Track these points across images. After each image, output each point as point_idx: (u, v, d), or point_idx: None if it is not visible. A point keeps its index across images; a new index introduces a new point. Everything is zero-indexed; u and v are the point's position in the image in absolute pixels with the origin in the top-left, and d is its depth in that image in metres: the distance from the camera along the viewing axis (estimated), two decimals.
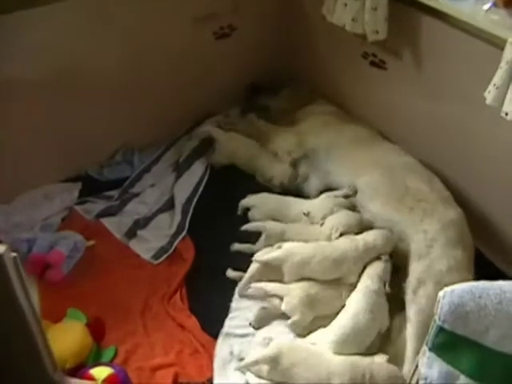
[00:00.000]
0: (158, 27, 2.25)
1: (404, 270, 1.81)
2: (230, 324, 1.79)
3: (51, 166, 2.24)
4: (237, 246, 2.01)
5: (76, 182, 2.29)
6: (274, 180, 2.26)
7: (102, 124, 2.29)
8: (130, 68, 2.25)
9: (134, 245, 2.06)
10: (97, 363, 1.62)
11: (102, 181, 2.33)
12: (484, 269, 1.82)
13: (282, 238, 1.97)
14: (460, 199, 1.97)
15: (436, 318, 0.96)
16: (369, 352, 1.66)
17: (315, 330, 1.74)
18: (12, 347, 1.21)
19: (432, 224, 1.84)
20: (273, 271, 1.84)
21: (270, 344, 1.64)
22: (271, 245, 1.94)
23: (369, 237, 1.87)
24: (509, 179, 1.86)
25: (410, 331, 1.67)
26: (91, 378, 1.53)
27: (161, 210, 2.19)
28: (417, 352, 1.39)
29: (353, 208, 2.05)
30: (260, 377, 1.58)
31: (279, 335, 1.72)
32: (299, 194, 2.23)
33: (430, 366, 1.01)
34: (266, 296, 1.81)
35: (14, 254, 1.11)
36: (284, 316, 1.76)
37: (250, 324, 1.76)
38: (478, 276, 1.74)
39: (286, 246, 1.88)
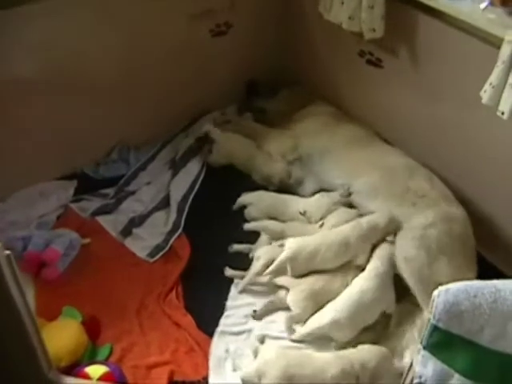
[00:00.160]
0: (155, 24, 2.24)
1: None
2: (225, 322, 1.80)
3: (47, 163, 2.23)
4: (236, 247, 2.01)
5: (72, 180, 2.28)
6: (274, 178, 2.25)
7: (98, 122, 2.28)
8: (126, 66, 2.24)
9: (130, 243, 2.05)
10: (92, 361, 1.62)
11: (97, 179, 2.32)
12: (486, 271, 1.82)
13: (281, 237, 1.98)
14: (459, 200, 1.97)
15: (431, 316, 0.96)
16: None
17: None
18: (6, 346, 1.21)
19: (434, 212, 1.85)
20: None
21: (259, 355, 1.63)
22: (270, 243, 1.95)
23: (371, 216, 1.91)
24: (508, 179, 1.87)
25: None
26: (86, 377, 1.53)
27: (156, 208, 2.19)
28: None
29: (350, 206, 2.05)
30: None
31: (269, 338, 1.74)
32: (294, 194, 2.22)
33: (424, 364, 1.01)
34: (273, 288, 1.84)
35: (8, 252, 1.10)
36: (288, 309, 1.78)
37: (254, 311, 1.79)
38: (480, 278, 1.74)
39: (288, 243, 1.87)
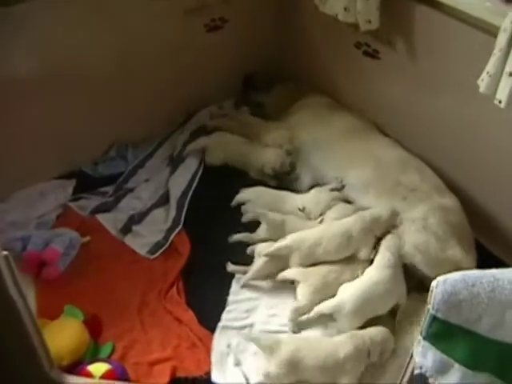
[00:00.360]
0: (150, 21, 2.24)
1: None
2: (227, 317, 1.80)
3: (45, 163, 2.23)
4: (235, 237, 2.01)
5: (70, 179, 2.27)
6: (266, 167, 2.24)
7: (95, 120, 2.28)
8: (122, 62, 2.24)
9: (130, 240, 2.05)
10: (94, 359, 1.62)
11: (96, 177, 2.32)
12: (484, 259, 1.82)
13: (282, 227, 1.97)
14: (455, 190, 1.97)
15: (429, 307, 0.96)
16: None
17: None
18: (7, 346, 1.21)
19: (427, 207, 1.84)
20: (279, 263, 1.85)
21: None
22: (273, 239, 1.94)
23: (374, 209, 1.91)
24: (504, 169, 1.86)
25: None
26: (89, 375, 1.53)
27: (155, 205, 2.18)
28: None
29: (347, 201, 2.05)
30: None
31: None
32: (291, 191, 2.21)
33: (424, 355, 1.01)
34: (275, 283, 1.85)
35: (6, 253, 1.10)
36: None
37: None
38: (478, 267, 1.75)
39: (291, 235, 1.88)
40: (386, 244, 1.83)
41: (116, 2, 2.11)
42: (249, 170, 2.32)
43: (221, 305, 1.83)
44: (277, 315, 1.80)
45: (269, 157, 2.26)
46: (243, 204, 2.11)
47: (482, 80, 1.61)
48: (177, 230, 2.06)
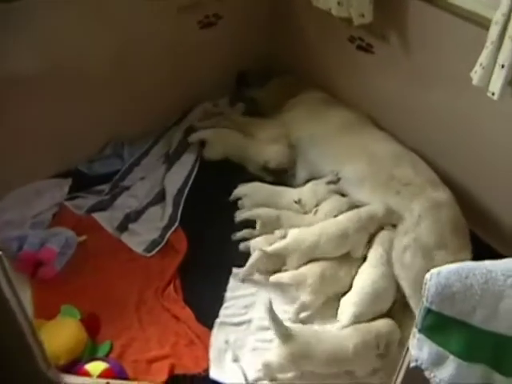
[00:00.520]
0: (144, 18, 2.23)
1: None
2: (225, 313, 1.80)
3: (41, 162, 2.22)
4: (239, 234, 2.01)
5: (66, 178, 2.27)
6: (271, 162, 2.25)
7: (91, 118, 2.27)
8: (117, 61, 2.23)
9: (126, 238, 2.05)
10: (92, 358, 1.62)
11: (91, 175, 2.31)
12: (480, 251, 1.82)
13: (277, 223, 1.99)
14: (450, 182, 1.97)
15: (424, 299, 0.96)
16: None
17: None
18: (2, 346, 1.21)
19: (420, 203, 1.84)
20: (276, 261, 1.87)
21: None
22: (268, 232, 1.95)
23: (369, 207, 1.92)
24: (499, 161, 1.86)
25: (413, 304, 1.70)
26: (87, 374, 1.54)
27: (152, 203, 2.18)
28: None
29: (341, 194, 2.06)
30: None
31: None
32: (287, 186, 2.21)
33: (420, 347, 1.01)
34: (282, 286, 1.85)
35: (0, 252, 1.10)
36: None
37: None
38: (474, 258, 1.75)
39: (291, 233, 1.89)
40: (379, 241, 1.85)
41: (109, 0, 2.10)
42: (247, 165, 2.32)
43: (218, 301, 1.83)
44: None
45: (272, 152, 2.26)
46: (240, 199, 2.12)
47: (475, 73, 1.61)
48: (173, 228, 2.06)
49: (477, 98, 1.68)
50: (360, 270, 1.82)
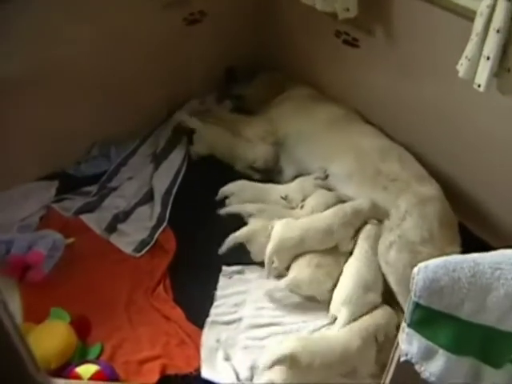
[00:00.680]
0: (128, 17, 2.21)
1: None
2: (215, 312, 1.80)
3: (27, 164, 2.20)
4: (223, 210, 2.05)
5: (53, 180, 2.25)
6: (258, 161, 2.24)
7: (77, 119, 2.25)
8: (101, 60, 2.21)
9: (115, 239, 2.04)
10: (83, 361, 1.61)
11: (78, 177, 2.29)
12: (470, 243, 1.82)
13: (263, 217, 1.99)
14: (439, 175, 1.98)
15: (412, 294, 0.96)
16: None
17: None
18: None
19: (406, 199, 1.84)
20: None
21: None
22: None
23: (355, 202, 1.93)
24: (488, 152, 1.86)
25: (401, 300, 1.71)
26: (77, 377, 1.53)
27: (140, 203, 2.17)
28: None
29: (328, 189, 2.06)
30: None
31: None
32: (275, 183, 2.21)
33: (409, 342, 1.01)
34: None
35: None
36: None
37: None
38: (465, 251, 1.75)
39: (276, 228, 1.88)
40: (363, 236, 1.86)
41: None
42: (235, 163, 2.32)
43: (208, 300, 1.83)
44: (265, 308, 1.81)
45: (260, 152, 2.26)
46: (227, 197, 2.11)
47: (461, 65, 1.61)
48: (162, 228, 2.05)
49: (464, 90, 1.67)
50: (346, 265, 1.82)
